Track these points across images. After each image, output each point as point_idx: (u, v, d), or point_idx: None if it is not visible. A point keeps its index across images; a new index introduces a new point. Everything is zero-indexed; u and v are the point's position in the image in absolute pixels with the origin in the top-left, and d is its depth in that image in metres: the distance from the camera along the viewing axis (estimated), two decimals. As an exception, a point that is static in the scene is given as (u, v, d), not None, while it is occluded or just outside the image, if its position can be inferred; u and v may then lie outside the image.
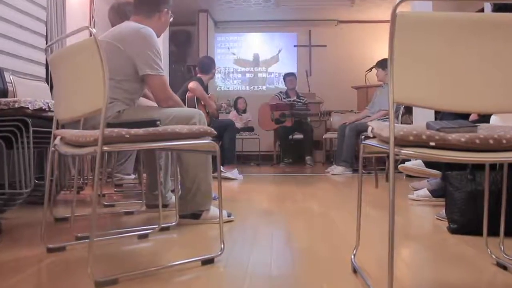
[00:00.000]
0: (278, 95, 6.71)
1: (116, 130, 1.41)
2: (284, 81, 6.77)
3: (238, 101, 6.99)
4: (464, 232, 1.97)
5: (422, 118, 4.27)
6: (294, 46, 8.27)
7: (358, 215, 1.47)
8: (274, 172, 5.65)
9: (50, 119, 1.97)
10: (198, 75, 4.80)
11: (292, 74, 6.87)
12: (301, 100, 6.57)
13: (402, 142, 1.12)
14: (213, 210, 2.26)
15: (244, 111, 7.00)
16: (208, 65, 4.82)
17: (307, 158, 6.46)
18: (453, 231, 2.02)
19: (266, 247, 1.81)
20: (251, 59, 8.34)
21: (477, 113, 2.23)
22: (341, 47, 7.98)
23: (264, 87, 8.30)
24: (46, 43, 3.74)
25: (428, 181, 3.09)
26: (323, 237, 2.02)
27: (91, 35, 1.37)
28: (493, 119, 2.00)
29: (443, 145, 1.12)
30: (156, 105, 2.26)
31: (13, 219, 2.39)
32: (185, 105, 2.62)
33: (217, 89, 8.15)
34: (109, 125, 1.47)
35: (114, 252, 1.76)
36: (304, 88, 7.14)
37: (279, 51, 8.30)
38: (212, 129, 1.65)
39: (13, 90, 3.10)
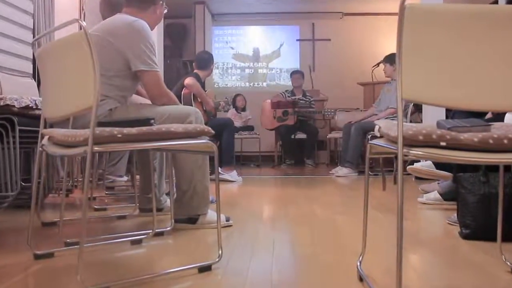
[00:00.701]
0: (283, 94, 6.74)
1: (107, 129, 1.41)
2: (291, 79, 6.81)
3: (237, 98, 7.00)
4: (476, 237, 1.97)
5: (432, 117, 4.27)
6: (297, 40, 8.27)
7: (365, 219, 1.47)
8: (275, 174, 5.65)
9: (38, 117, 1.97)
10: (195, 71, 4.80)
11: (298, 72, 6.87)
12: (307, 99, 6.59)
13: (411, 142, 1.12)
14: (211, 214, 2.26)
15: (244, 109, 7.01)
16: (206, 61, 4.82)
17: (307, 160, 6.49)
18: (465, 236, 2.02)
19: (266, 254, 1.81)
20: (250, 54, 8.35)
21: (491, 112, 2.22)
22: (346, 41, 7.99)
23: (264, 84, 8.31)
24: (33, 37, 3.74)
25: (438, 183, 3.09)
26: (327, 243, 2.02)
27: (81, 29, 1.37)
28: (507, 117, 2.00)
29: (454, 145, 1.12)
30: (150, 103, 2.26)
31: (-2, 224, 2.39)
32: (180, 102, 2.62)
33: (215, 85, 8.15)
34: (100, 124, 1.47)
35: (105, 259, 1.76)
36: (307, 85, 7.15)
37: (281, 45, 8.31)
38: (210, 128, 1.65)
39: (-2, 86, 3.10)
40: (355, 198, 3.49)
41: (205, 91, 4.80)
